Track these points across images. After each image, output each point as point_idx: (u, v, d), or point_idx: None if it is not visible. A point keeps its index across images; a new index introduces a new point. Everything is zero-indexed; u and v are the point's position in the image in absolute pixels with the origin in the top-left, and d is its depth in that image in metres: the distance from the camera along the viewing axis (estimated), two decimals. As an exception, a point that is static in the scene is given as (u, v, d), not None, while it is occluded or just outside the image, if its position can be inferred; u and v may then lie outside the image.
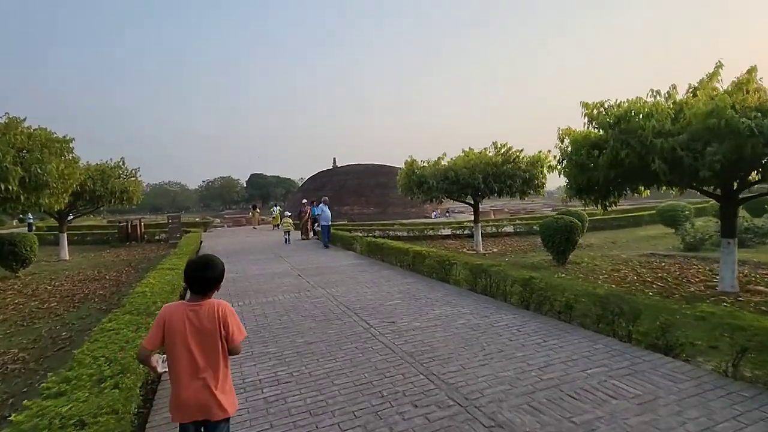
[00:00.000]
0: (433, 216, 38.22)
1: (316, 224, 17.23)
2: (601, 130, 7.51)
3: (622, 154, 6.59)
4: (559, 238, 11.12)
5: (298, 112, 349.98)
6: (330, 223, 15.71)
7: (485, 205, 37.31)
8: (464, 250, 15.17)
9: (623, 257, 12.52)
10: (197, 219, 49.89)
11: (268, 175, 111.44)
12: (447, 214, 39.58)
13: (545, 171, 13.63)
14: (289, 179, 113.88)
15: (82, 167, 14.22)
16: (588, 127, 7.69)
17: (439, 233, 18.78)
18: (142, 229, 22.12)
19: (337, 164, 50.88)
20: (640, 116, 6.61)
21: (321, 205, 15.83)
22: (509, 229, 19.60)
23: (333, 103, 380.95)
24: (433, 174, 13.37)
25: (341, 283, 8.75)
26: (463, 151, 14.19)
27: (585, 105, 7.46)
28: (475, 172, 12.84)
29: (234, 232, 26.68)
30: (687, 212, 18.04)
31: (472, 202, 14.93)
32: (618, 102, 7.00)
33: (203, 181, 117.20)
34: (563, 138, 8.53)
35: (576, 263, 11.44)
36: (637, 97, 6.93)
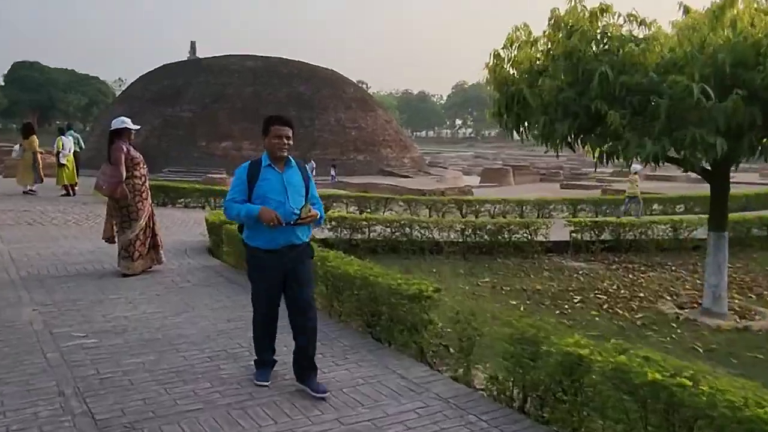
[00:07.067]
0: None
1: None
2: None
3: None
4: None
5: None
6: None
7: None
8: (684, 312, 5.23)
9: None
10: None
11: (52, 67, 64.30)
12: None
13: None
14: (97, 78, 69.71)
15: None
16: None
17: (542, 239, 7.70)
18: None
19: (197, 54, 29.04)
20: None
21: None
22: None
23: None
24: (701, 64, 4.07)
25: None
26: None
27: None
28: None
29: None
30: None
31: (708, 167, 5.40)
32: None
33: None
34: None
35: None
36: None
